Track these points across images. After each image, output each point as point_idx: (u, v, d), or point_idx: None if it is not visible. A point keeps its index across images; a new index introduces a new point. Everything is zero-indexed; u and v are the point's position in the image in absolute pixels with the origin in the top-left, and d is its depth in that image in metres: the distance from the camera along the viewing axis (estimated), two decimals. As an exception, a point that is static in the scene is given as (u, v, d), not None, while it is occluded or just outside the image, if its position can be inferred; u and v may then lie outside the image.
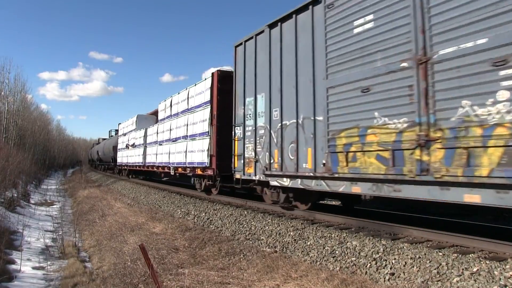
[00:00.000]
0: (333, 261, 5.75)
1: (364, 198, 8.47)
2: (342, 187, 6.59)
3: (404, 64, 5.49)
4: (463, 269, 4.55)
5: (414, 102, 5.34)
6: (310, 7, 7.39)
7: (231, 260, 6.54)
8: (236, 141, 10.10)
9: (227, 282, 5.48)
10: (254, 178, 9.24)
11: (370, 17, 6.06)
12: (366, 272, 5.19)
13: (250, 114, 9.47)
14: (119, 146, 27.54)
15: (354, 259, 5.59)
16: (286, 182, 8.00)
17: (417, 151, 5.28)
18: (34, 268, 8.67)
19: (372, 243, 5.87)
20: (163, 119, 17.57)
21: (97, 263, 8.74)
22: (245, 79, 9.74)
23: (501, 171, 4.33)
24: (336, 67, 6.69)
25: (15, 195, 17.79)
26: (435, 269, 4.72)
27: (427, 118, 5.17)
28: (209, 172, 11.88)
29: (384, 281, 4.89)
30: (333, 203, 10.96)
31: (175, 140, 15.29)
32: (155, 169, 18.78)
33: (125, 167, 25.87)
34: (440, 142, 5.02)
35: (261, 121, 8.98)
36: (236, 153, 10.10)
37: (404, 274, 4.85)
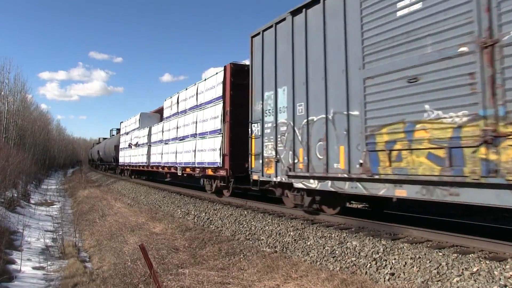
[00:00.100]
0: (333, 261, 5.70)
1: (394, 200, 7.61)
2: (383, 190, 5.80)
3: (464, 49, 4.73)
4: (463, 269, 4.51)
5: (477, 92, 4.57)
6: (342, -12, 6.58)
7: (231, 260, 6.48)
8: (253, 139, 9.27)
9: (227, 282, 5.44)
10: (274, 179, 8.40)
11: (418, -3, 5.26)
12: (366, 272, 5.14)
13: (269, 109, 8.65)
14: (121, 146, 26.36)
15: (354, 259, 5.54)
16: (313, 184, 7.22)
17: (482, 149, 4.51)
18: (34, 268, 8.53)
19: (372, 243, 5.81)
20: (169, 116, 16.54)
21: (97, 263, 8.61)
22: (263, 71, 8.92)
23: None
24: (375, 55, 5.89)
25: (15, 195, 17.56)
26: (435, 269, 4.67)
27: (494, 110, 4.41)
28: (222, 172, 10.99)
29: (384, 281, 4.83)
30: (354, 205, 10.18)
31: (182, 138, 14.39)
32: (160, 170, 17.71)
33: (128, 167, 24.79)
34: (513, 138, 4.24)
35: (282, 117, 8.17)
36: (253, 152, 9.25)
37: (404, 274, 4.80)
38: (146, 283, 5.69)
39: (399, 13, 5.55)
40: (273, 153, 8.42)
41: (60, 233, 11.46)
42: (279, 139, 8.28)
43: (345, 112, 6.49)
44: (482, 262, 4.62)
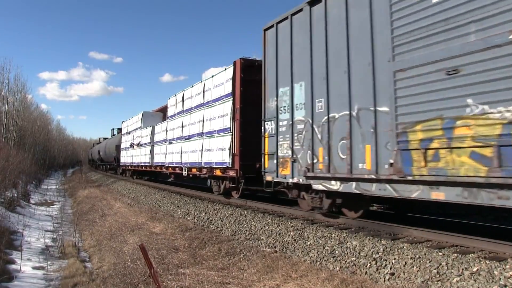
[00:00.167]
0: (333, 261, 5.66)
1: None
2: (416, 193, 5.28)
3: (515, 36, 4.14)
4: (463, 269, 4.46)
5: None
6: (367, -26, 5.95)
7: (231, 260, 6.44)
8: (266, 138, 8.71)
9: (227, 282, 5.41)
10: (290, 180, 7.84)
11: (458, -21, 4.69)
12: (366, 272, 5.10)
13: (284, 106, 8.10)
14: (123, 145, 25.69)
15: (354, 259, 5.50)
16: (335, 185, 6.70)
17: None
18: (34, 268, 8.45)
19: (372, 243, 5.76)
20: (174, 115, 15.84)
21: (97, 263, 8.54)
22: (278, 66, 8.35)
23: None
24: (406, 46, 5.37)
25: (15, 195, 17.43)
26: (435, 269, 4.62)
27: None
28: (231, 173, 10.42)
29: (384, 281, 4.79)
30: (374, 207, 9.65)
31: (188, 138, 13.76)
32: (164, 170, 16.99)
33: (130, 168, 23.95)
34: None
35: (299, 114, 7.62)
36: (266, 151, 8.69)
37: (404, 274, 4.77)
38: (146, 283, 5.66)
39: (435, -1, 4.99)
40: (289, 152, 7.86)
41: (60, 233, 11.41)
42: (295, 137, 7.74)
43: (372, 108, 5.95)
44: (482, 262, 4.56)
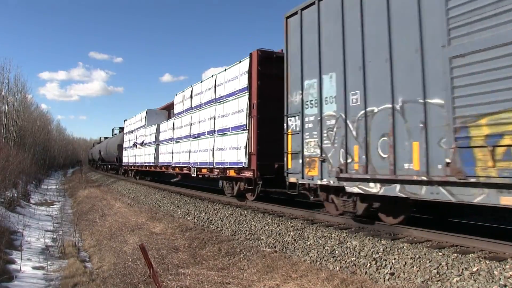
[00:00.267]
0: (333, 261, 5.62)
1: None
2: (479, 197, 4.60)
3: None
4: (463, 269, 4.43)
5: None
6: None
7: (231, 260, 6.40)
8: (289, 136, 7.97)
9: (227, 282, 5.38)
10: (319, 182, 7.08)
11: None
12: (366, 272, 5.07)
13: (311, 100, 7.37)
14: (125, 145, 24.82)
15: (354, 259, 5.47)
16: (374, 188, 5.97)
17: None
18: (34, 268, 8.37)
19: (372, 243, 5.72)
20: (181, 112, 14.96)
21: (97, 263, 8.45)
22: (303, 56, 7.60)
23: None
24: (467, 28, 4.66)
25: (15, 195, 17.28)
26: (435, 269, 4.60)
27: None
28: (248, 174, 9.65)
29: (384, 281, 4.76)
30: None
31: (197, 136, 12.92)
32: (171, 170, 16.04)
33: (132, 168, 23.03)
34: None
35: (330, 109, 6.90)
36: (289, 150, 7.92)
37: (404, 274, 4.74)
38: (146, 283, 5.65)
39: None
40: (317, 151, 7.12)
41: (60, 233, 11.36)
42: (325, 134, 7.00)
43: (421, 100, 5.24)
44: (482, 262, 4.53)
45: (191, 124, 13.67)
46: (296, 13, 7.84)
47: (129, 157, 23.66)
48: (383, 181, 5.85)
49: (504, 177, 4.31)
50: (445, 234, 5.73)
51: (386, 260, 5.18)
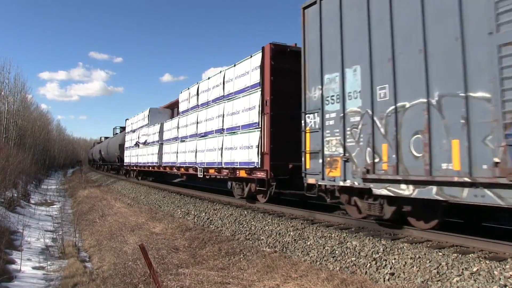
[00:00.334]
0: (333, 261, 5.62)
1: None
2: None
3: None
4: (463, 269, 4.45)
5: None
6: None
7: (231, 260, 6.40)
8: (307, 134, 7.48)
9: (227, 282, 5.39)
10: (341, 183, 6.62)
11: None
12: (366, 272, 5.07)
13: (332, 96, 6.89)
14: (127, 144, 24.31)
15: (354, 259, 5.47)
16: (406, 190, 5.52)
17: None
18: (34, 268, 8.41)
19: (372, 243, 5.72)
20: (186, 110, 14.42)
21: (97, 263, 8.50)
22: (323, 49, 7.15)
23: None
24: None
25: (15, 195, 17.37)
26: (435, 269, 4.61)
27: None
28: (260, 174, 9.16)
29: (384, 281, 4.77)
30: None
31: (204, 135, 12.39)
32: (175, 171, 15.44)
33: (134, 168, 22.37)
34: None
35: (354, 105, 6.42)
36: (308, 149, 7.43)
37: (404, 274, 4.75)
38: (146, 283, 5.66)
39: None
40: (340, 150, 6.65)
41: (60, 233, 11.38)
42: (348, 132, 6.52)
43: (462, 94, 4.82)
44: (482, 262, 4.55)
45: (197, 123, 13.18)
46: (314, 2, 7.39)
47: (131, 157, 23.15)
48: (416, 183, 5.39)
49: None
50: (445, 234, 5.73)
51: (386, 260, 5.18)
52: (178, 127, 15.16)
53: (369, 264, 5.23)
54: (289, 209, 8.87)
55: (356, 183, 6.34)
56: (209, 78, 12.51)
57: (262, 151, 9.08)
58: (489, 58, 4.57)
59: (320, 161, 7.08)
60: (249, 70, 9.85)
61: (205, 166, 12.18)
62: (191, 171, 13.50)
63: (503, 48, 4.43)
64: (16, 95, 36.57)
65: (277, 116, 9.02)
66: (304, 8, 7.68)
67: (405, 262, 4.98)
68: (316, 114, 7.29)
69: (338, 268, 5.44)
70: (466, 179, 4.74)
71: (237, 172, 10.24)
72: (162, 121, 17.84)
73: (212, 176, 12.05)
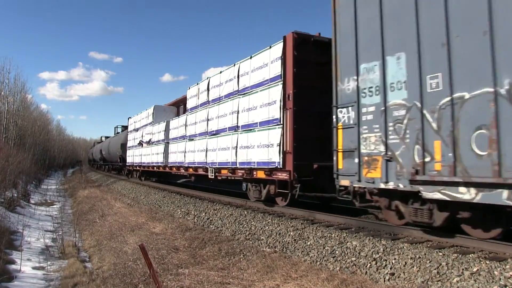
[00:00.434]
0: (333, 261, 5.64)
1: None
2: None
3: None
4: (463, 269, 4.47)
5: None
6: None
7: (231, 260, 6.43)
8: (339, 130, 6.79)
9: (227, 282, 5.41)
10: (382, 186, 5.92)
11: None
12: (366, 272, 5.09)
13: (370, 87, 6.20)
14: (129, 144, 23.44)
15: (354, 259, 5.49)
16: (466, 194, 4.85)
17: None
18: (34, 268, 8.43)
19: (372, 243, 5.74)
20: (195, 107, 13.60)
21: (97, 263, 8.54)
22: (358, 35, 6.47)
23: None
24: None
25: (15, 195, 17.40)
26: (435, 269, 4.63)
27: None
28: (282, 175, 8.42)
29: (384, 281, 4.78)
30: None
31: (215, 133, 11.65)
32: (183, 171, 14.65)
33: (138, 168, 21.61)
34: None
35: (397, 97, 5.73)
36: (340, 147, 6.72)
37: (404, 274, 4.76)
38: (146, 283, 5.67)
39: None
40: (380, 148, 5.98)
41: (60, 233, 11.37)
42: (391, 128, 5.85)
43: None
44: (482, 262, 4.57)
45: (208, 120, 12.40)
46: None
47: (133, 156, 22.35)
48: (481, 186, 4.71)
49: None
50: (445, 234, 5.72)
51: (386, 260, 5.19)
52: (186, 125, 14.45)
53: (369, 264, 5.23)
54: (289, 209, 8.86)
55: (400, 186, 5.66)
56: (221, 72, 11.80)
57: (284, 149, 8.36)
58: None
59: (356, 160, 6.41)
60: (268, 62, 9.16)
61: (216, 166, 11.47)
62: (200, 171, 12.82)
63: None
64: (16, 95, 36.55)
65: (301, 112, 8.32)
66: None
67: (405, 262, 4.99)
68: (350, 108, 6.61)
69: (338, 268, 5.44)
70: None
71: (254, 172, 9.53)
72: (168, 119, 17.17)
73: (225, 177, 11.33)
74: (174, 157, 15.51)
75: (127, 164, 24.41)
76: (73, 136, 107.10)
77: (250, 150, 9.66)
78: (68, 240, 10.71)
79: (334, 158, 6.85)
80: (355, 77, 6.52)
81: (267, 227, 7.77)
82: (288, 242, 6.79)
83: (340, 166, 6.76)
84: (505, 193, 4.47)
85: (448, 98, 5.04)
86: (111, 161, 33.40)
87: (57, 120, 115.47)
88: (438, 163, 5.16)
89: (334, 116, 6.92)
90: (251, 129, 9.71)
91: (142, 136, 20.54)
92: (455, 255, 4.91)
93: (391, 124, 5.86)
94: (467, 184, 4.84)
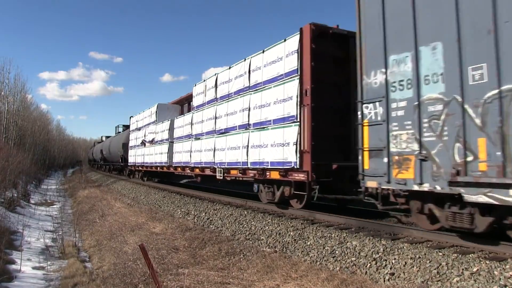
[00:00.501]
0: (333, 261, 5.65)
1: None
2: None
3: None
4: (463, 269, 4.47)
5: None
6: None
7: (231, 260, 6.44)
8: (365, 127, 6.31)
9: (227, 282, 5.42)
10: (416, 188, 5.44)
11: None
12: (366, 272, 5.09)
13: (401, 80, 5.71)
14: (131, 143, 22.88)
15: (354, 259, 5.50)
16: None
17: None
18: (34, 268, 8.45)
19: (372, 243, 5.74)
20: (202, 105, 13.01)
21: (97, 263, 8.56)
22: (386, 24, 5.98)
23: None
24: None
25: (15, 195, 17.42)
26: (435, 269, 4.63)
27: None
28: (299, 176, 7.88)
29: (384, 281, 4.79)
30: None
31: (224, 131, 11.07)
32: (188, 171, 14.06)
33: (140, 168, 20.95)
34: None
35: (433, 90, 5.26)
36: (366, 146, 6.25)
37: (404, 274, 4.77)
38: (146, 283, 5.68)
39: None
40: (414, 146, 5.49)
41: (60, 233, 11.38)
42: (426, 124, 5.37)
43: None
44: (482, 262, 4.57)
45: (216, 118, 11.76)
46: None
47: (136, 156, 21.70)
48: None
49: None
50: (445, 234, 5.73)
51: (386, 260, 5.19)
52: (192, 124, 13.79)
53: (369, 264, 5.23)
54: (289, 209, 8.86)
55: (438, 188, 5.17)
56: (230, 67, 11.23)
57: (302, 149, 7.84)
58: None
59: (385, 160, 5.91)
60: (282, 55, 8.59)
61: (225, 166, 10.86)
62: (207, 172, 12.19)
63: None
64: (16, 95, 36.57)
65: (319, 108, 7.80)
66: None
67: (405, 262, 4.99)
68: (378, 103, 6.12)
69: (338, 268, 5.45)
70: None
71: (268, 173, 8.97)
72: (172, 118, 16.56)
73: (234, 177, 10.80)
74: (179, 157, 14.93)
75: (129, 164, 23.82)
76: (73, 136, 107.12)
77: (262, 149, 9.14)
78: (68, 240, 10.72)
79: (359, 157, 6.39)
80: (383, 70, 6.05)
81: (267, 227, 7.77)
82: (288, 242, 6.79)
83: (366, 166, 6.27)
84: None
85: (496, 91, 4.57)
86: (112, 161, 32.88)
87: (57, 120, 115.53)
88: (483, 163, 4.69)
89: (359, 112, 6.44)
90: (264, 127, 9.20)
91: (145, 135, 20.08)
92: (455, 255, 4.92)
93: (425, 120, 5.40)
94: None
